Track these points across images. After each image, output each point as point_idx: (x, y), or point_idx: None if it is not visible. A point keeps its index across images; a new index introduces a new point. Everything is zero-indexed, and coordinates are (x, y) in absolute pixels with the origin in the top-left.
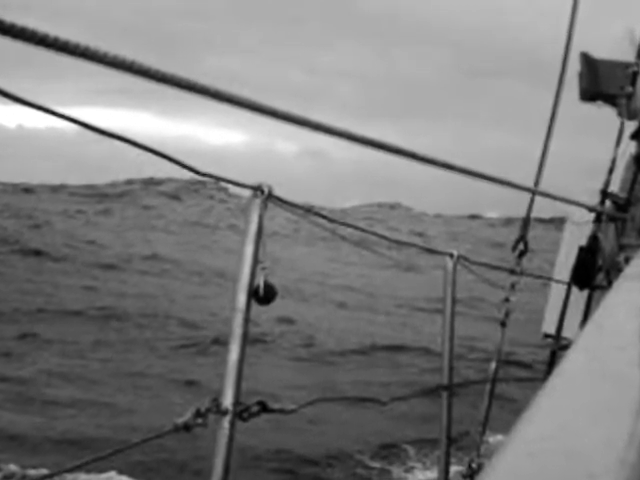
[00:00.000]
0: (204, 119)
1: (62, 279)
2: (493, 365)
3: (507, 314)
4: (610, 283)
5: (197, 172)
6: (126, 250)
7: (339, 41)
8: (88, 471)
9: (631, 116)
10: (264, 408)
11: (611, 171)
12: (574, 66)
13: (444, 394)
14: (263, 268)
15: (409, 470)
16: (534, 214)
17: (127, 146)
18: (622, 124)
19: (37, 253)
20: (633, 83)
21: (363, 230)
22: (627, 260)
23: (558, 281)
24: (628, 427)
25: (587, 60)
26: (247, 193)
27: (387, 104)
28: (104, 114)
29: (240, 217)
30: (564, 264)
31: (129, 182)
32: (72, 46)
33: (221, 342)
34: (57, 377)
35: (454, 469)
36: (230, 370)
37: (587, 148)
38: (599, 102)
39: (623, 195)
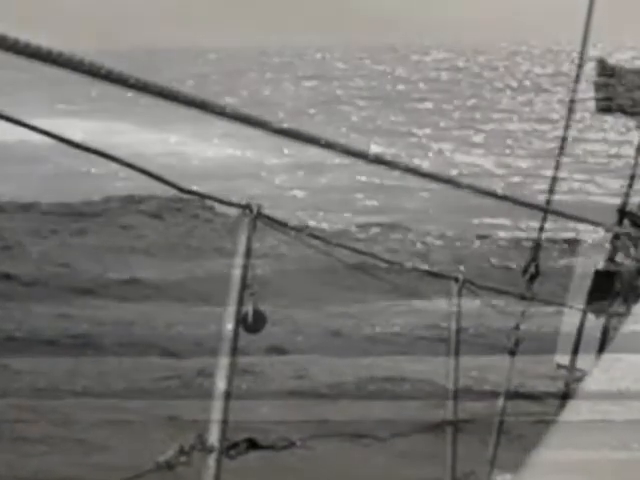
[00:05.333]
0: (188, 131)
1: (34, 305)
2: (501, 399)
3: (517, 343)
4: (629, 309)
5: (180, 189)
6: (103, 274)
7: (333, 45)
8: None
9: None
10: (253, 445)
11: (629, 188)
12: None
13: (449, 430)
14: (252, 293)
15: None
16: (546, 235)
17: (105, 161)
18: None
19: (7, 277)
20: None
21: (360, 252)
22: None
23: (572, 307)
24: None
25: (604, 68)
26: (235, 212)
27: (386, 112)
28: (80, 126)
29: (227, 238)
30: (579, 289)
31: (106, 200)
32: (45, 53)
33: (206, 374)
34: (28, 411)
35: None
36: (216, 404)
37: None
38: (617, 113)
39: None
